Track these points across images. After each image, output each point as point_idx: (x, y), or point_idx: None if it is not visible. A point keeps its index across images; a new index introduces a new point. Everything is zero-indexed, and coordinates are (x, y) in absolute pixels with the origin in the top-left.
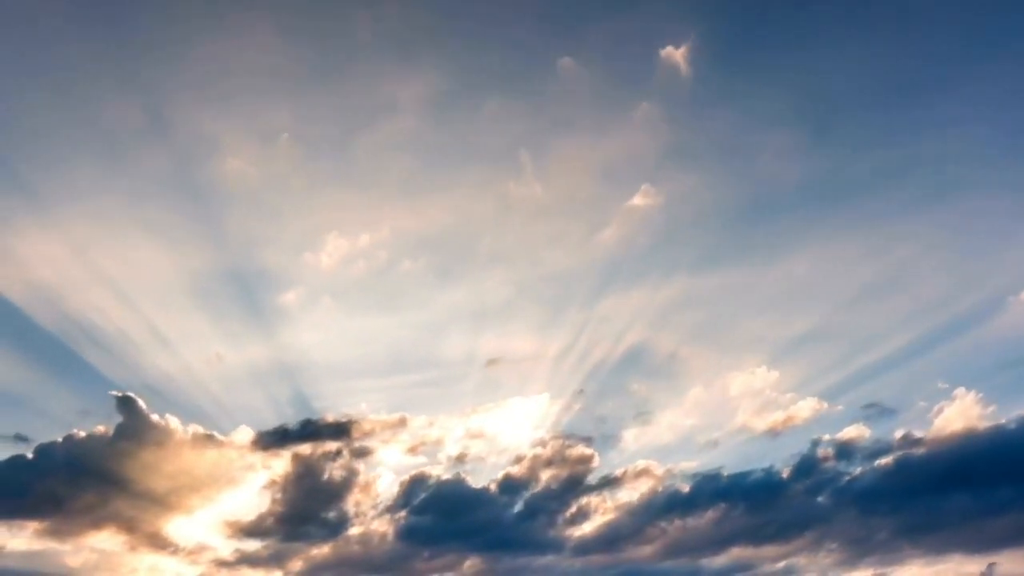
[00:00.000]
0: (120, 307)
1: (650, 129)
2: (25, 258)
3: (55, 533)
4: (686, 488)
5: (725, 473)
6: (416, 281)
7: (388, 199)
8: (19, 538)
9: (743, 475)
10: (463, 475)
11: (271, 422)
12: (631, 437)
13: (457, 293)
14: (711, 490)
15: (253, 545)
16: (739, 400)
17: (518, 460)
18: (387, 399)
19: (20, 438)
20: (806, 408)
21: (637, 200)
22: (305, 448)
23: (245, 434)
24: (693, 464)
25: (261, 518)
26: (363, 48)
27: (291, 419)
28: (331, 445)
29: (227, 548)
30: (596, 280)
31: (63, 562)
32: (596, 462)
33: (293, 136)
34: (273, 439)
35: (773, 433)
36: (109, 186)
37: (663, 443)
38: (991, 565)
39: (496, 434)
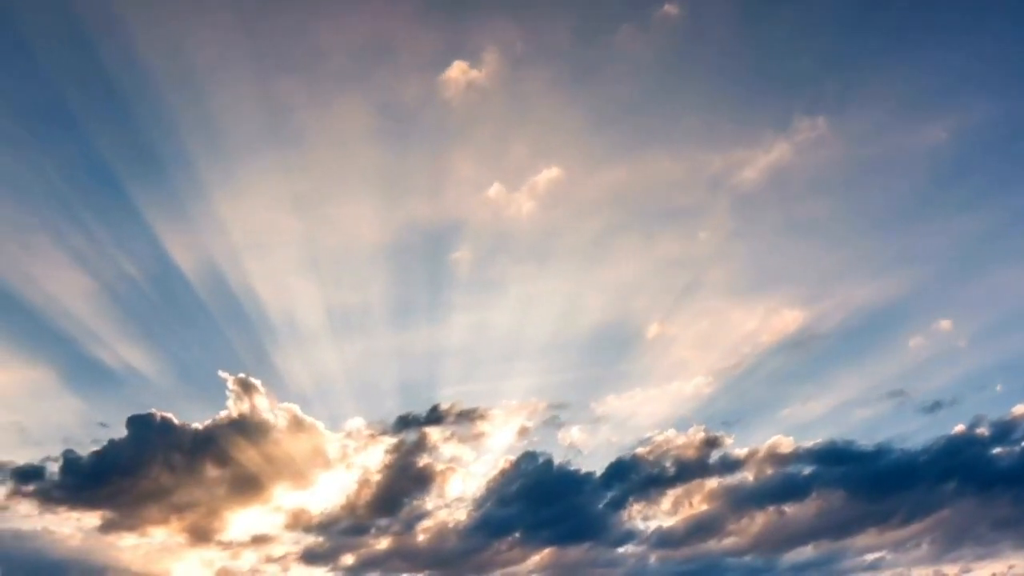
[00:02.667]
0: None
1: None
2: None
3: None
4: (806, 471)
5: (858, 449)
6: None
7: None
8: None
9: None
10: (574, 461)
11: (397, 409)
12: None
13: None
14: (830, 472)
15: (320, 537)
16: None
17: (642, 444)
18: (527, 382)
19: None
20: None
21: None
22: (411, 435)
23: (355, 423)
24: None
25: (345, 508)
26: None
27: (419, 405)
28: (438, 431)
29: (299, 539)
30: None
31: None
32: (725, 445)
33: None
34: (383, 428)
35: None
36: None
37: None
38: None
39: (628, 417)
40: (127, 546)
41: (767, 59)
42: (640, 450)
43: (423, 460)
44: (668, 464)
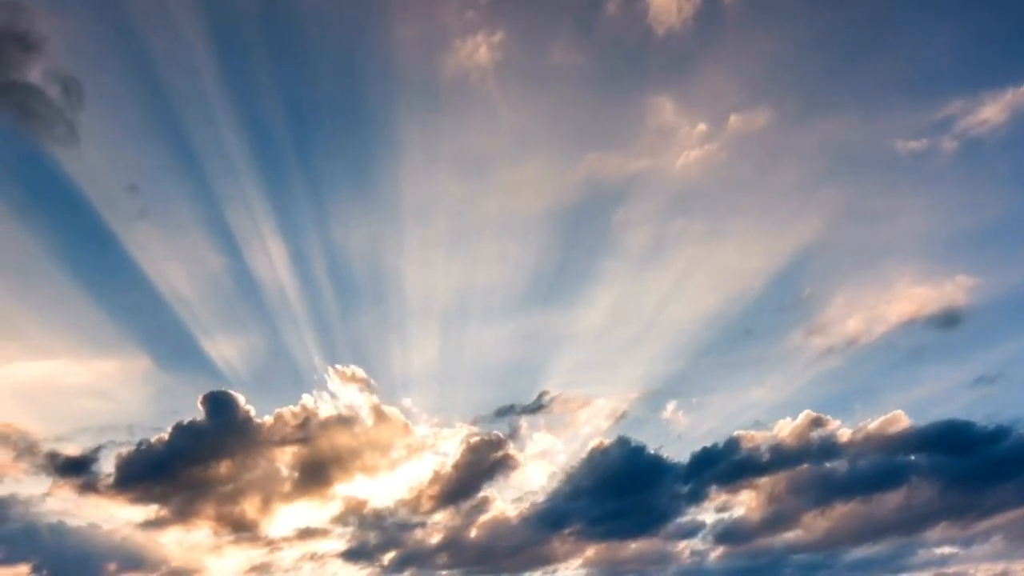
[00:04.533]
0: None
1: None
2: None
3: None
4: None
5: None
6: None
7: None
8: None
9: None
10: (673, 449)
11: (503, 398)
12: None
13: None
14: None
15: (371, 532)
16: None
17: (753, 427)
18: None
19: None
20: None
21: None
22: (500, 426)
23: (444, 413)
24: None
25: (403, 502)
26: None
27: (525, 394)
28: (531, 422)
29: (347, 534)
30: None
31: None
32: (830, 428)
33: None
34: (475, 418)
35: None
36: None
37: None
38: None
39: (748, 400)
40: (176, 539)
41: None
42: (745, 433)
43: (502, 452)
44: (763, 452)
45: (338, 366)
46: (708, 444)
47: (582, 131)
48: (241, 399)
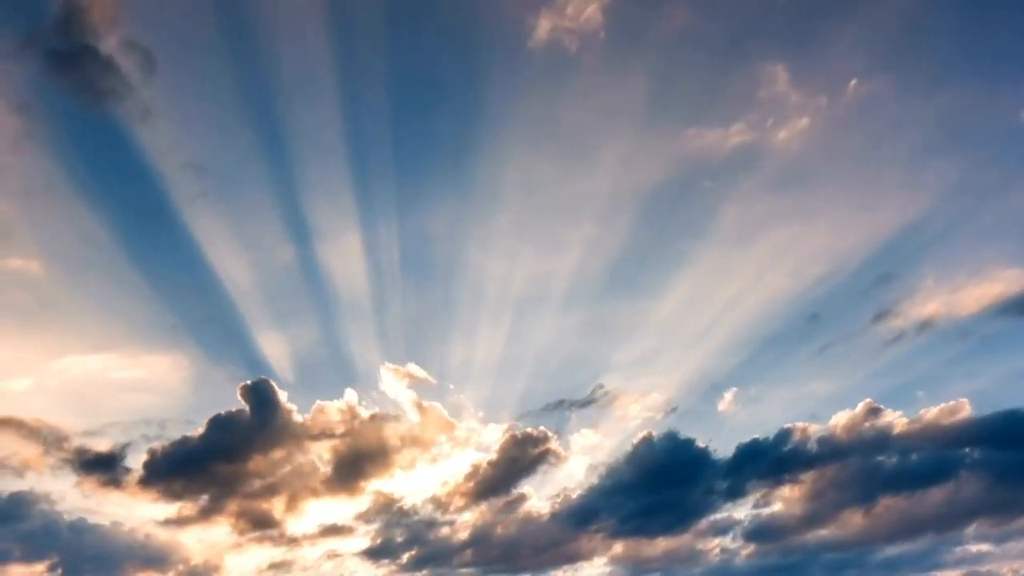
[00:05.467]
0: None
1: None
2: None
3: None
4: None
5: None
6: None
7: None
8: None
9: None
10: (714, 445)
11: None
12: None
13: None
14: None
15: (396, 529)
16: None
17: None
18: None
19: None
20: None
21: None
22: (546, 421)
23: (490, 410)
24: None
25: (433, 500)
26: None
27: (580, 389)
28: (577, 417)
29: (371, 531)
30: None
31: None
32: (887, 420)
33: None
34: (521, 413)
35: None
36: None
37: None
38: None
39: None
40: (197, 537)
41: None
42: (796, 425)
43: (544, 448)
44: (811, 445)
45: (390, 362)
46: (760, 437)
47: (685, 103)
48: (283, 395)
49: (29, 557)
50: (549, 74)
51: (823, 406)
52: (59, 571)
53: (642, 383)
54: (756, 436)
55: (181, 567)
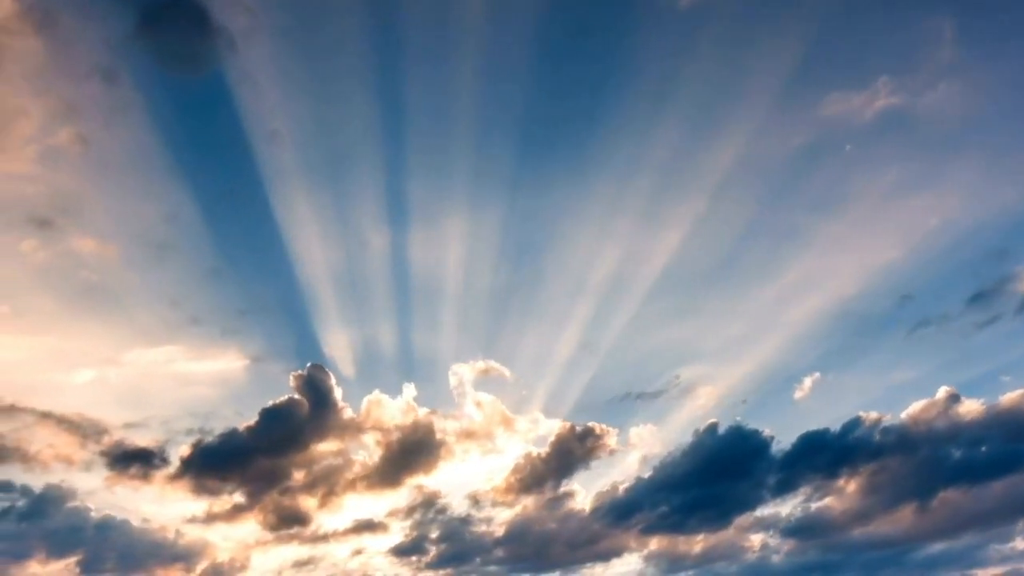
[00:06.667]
0: None
1: None
2: None
3: None
4: None
5: None
6: None
7: None
8: None
9: None
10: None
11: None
12: None
13: None
14: None
15: (429, 527)
16: None
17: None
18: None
19: None
20: None
21: None
22: (608, 416)
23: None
24: None
25: (471, 497)
26: None
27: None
28: (638, 412)
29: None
30: None
31: None
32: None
33: None
34: (582, 408)
35: None
36: None
37: None
38: None
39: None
40: (226, 534)
41: None
42: (866, 415)
43: (598, 442)
44: (876, 436)
45: (462, 356)
46: (827, 427)
47: (831, 64)
48: (339, 389)
49: (57, 552)
50: (685, 33)
51: (901, 394)
52: (86, 566)
53: (721, 372)
54: (826, 426)
55: (210, 562)
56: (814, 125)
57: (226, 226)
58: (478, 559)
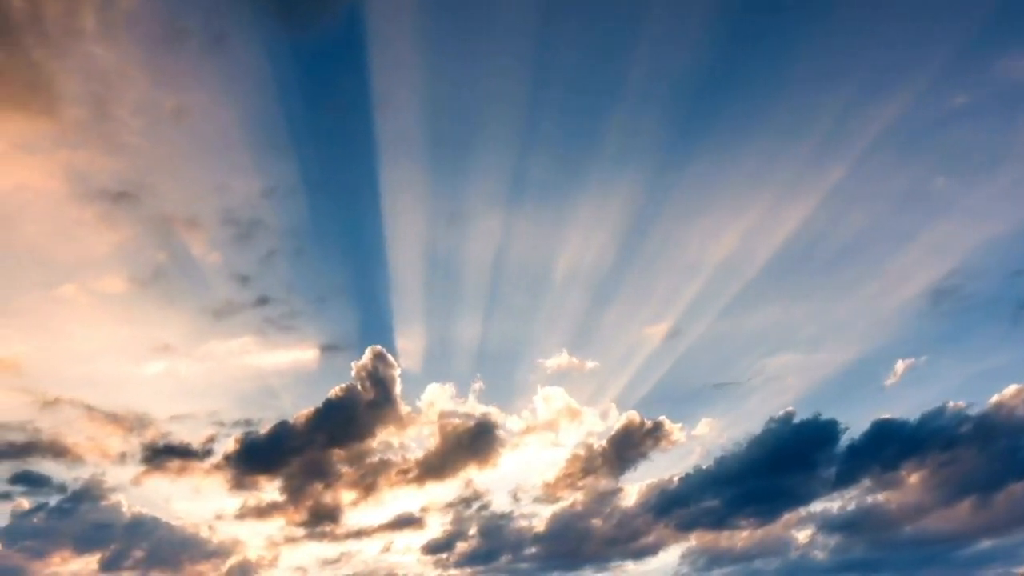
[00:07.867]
0: None
1: None
2: None
3: None
4: None
5: None
6: None
7: None
8: None
9: None
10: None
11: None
12: None
13: None
14: None
15: (469, 523)
16: None
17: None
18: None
19: None
20: None
21: None
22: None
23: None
24: None
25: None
26: None
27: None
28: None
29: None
30: None
31: None
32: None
33: None
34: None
35: None
36: None
37: None
38: None
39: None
40: (257, 530)
41: None
42: (951, 404)
43: (658, 436)
44: (953, 427)
45: (545, 350)
46: (903, 417)
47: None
48: (400, 383)
49: (91, 545)
50: None
51: (995, 380)
52: (110, 564)
53: (811, 361)
54: (908, 415)
55: (240, 557)
56: (987, 87)
57: (322, 203)
58: (506, 557)
